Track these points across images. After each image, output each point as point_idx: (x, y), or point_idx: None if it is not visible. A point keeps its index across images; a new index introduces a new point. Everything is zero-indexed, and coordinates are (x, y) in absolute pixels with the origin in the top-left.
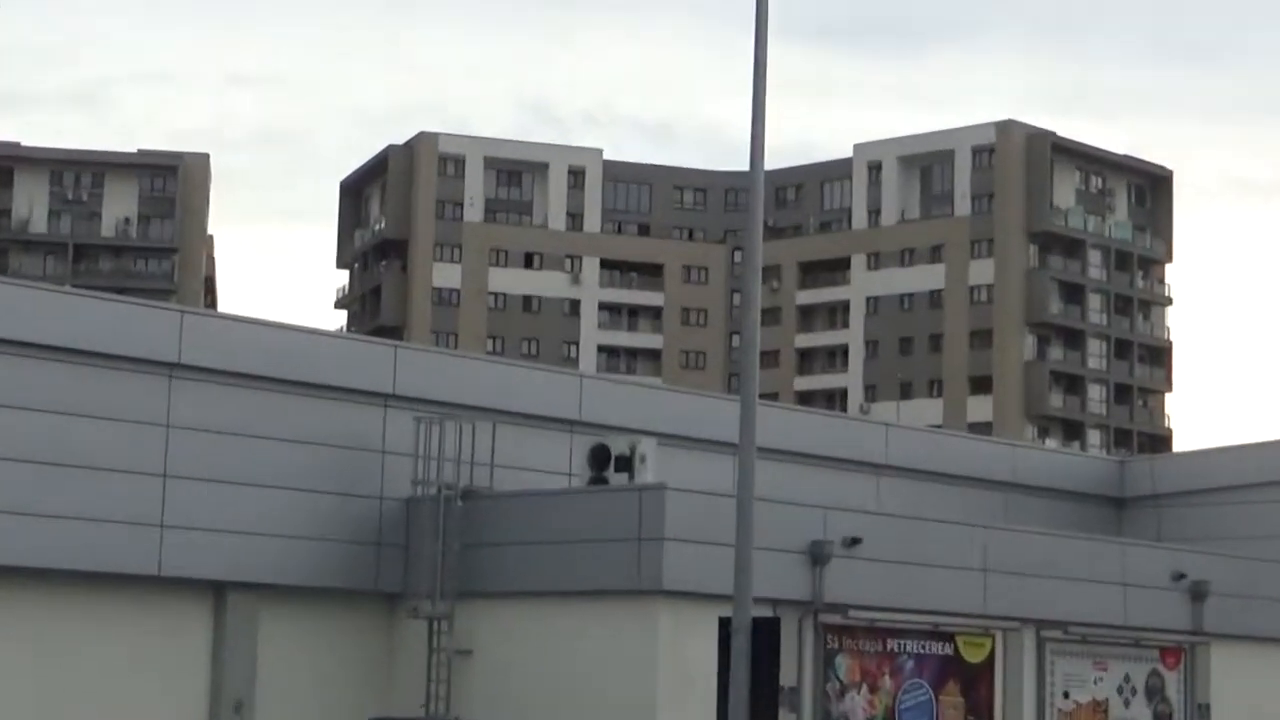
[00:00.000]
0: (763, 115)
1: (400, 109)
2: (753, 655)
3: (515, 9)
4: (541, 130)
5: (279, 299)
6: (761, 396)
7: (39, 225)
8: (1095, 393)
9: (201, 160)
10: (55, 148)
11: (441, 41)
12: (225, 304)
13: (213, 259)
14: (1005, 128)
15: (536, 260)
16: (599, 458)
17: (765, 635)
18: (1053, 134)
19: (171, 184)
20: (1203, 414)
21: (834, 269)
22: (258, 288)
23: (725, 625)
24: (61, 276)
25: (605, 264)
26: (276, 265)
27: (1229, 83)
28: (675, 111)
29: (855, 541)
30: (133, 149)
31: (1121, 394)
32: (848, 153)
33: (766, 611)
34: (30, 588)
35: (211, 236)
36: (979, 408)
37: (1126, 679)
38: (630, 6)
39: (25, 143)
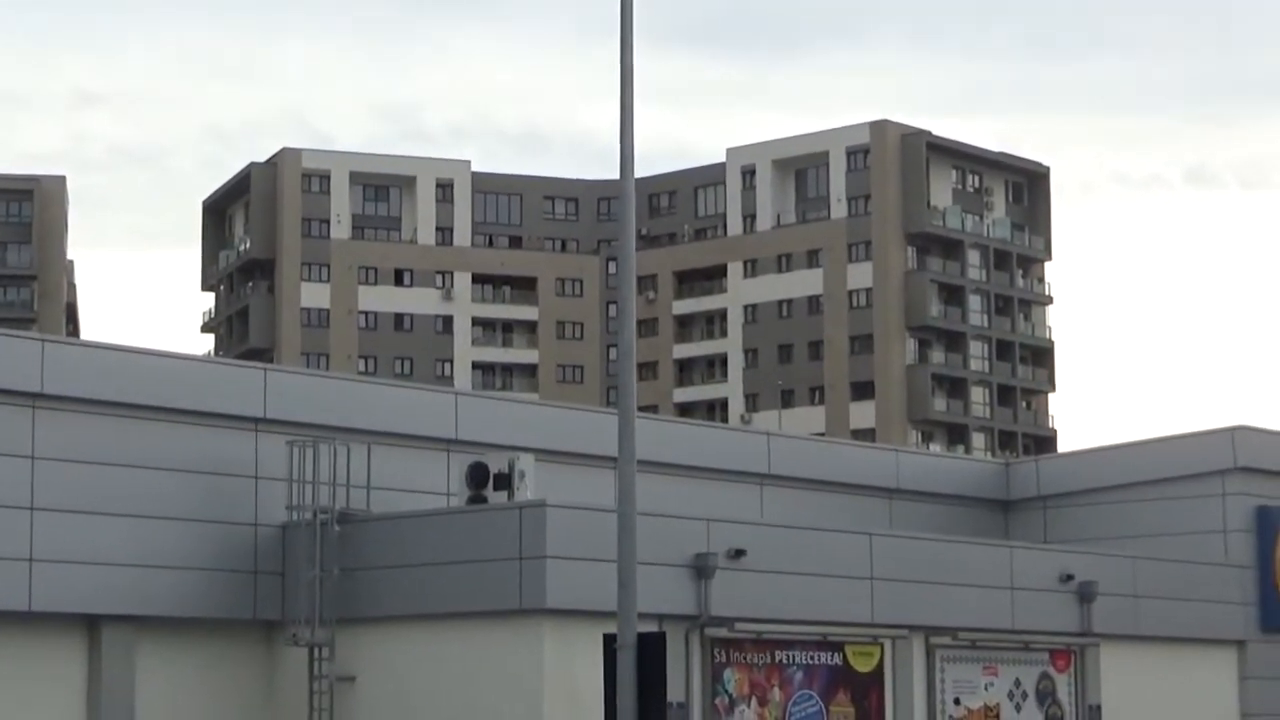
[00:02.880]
0: (631, 123)
1: (260, 125)
2: (639, 672)
3: (372, 20)
4: (407, 144)
5: (143, 324)
6: (640, 409)
7: None
8: (978, 395)
9: (57, 183)
10: None
11: (299, 55)
12: (88, 331)
13: (73, 285)
14: (879, 128)
15: (406, 277)
16: (477, 476)
17: (651, 651)
18: (928, 133)
19: (27, 208)
20: (1087, 413)
21: (710, 277)
22: (121, 313)
23: (610, 642)
24: None
25: (477, 278)
26: (139, 289)
27: (1103, 76)
28: (544, 120)
29: (739, 553)
30: None
31: (1005, 395)
32: (721, 157)
33: (652, 627)
34: None
35: (71, 261)
36: (861, 414)
37: (1017, 683)
38: (494, 15)
39: None
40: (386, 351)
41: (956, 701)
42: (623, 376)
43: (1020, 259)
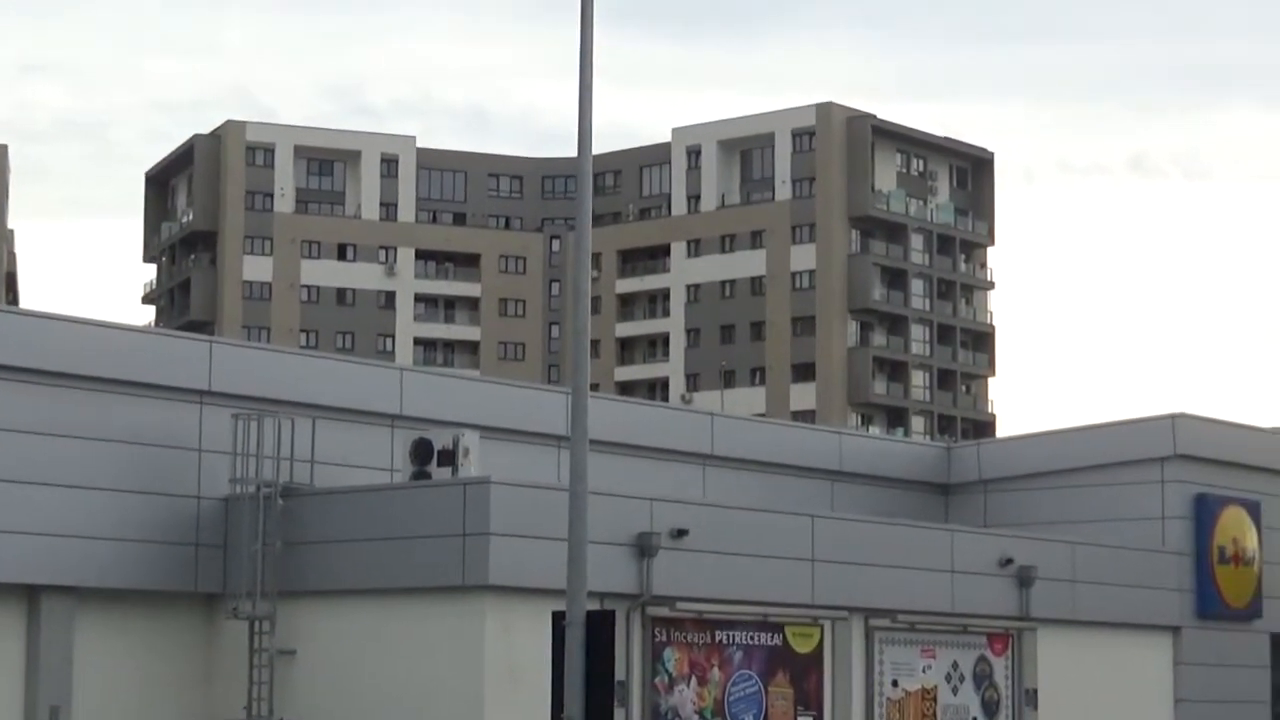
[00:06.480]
0: (590, 101)
1: (205, 99)
2: (587, 649)
3: None
4: (353, 118)
5: (83, 295)
6: None
7: None
8: (918, 378)
9: None
10: None
11: (247, 27)
12: (27, 301)
13: (13, 254)
14: (825, 110)
15: (350, 251)
16: (421, 452)
17: (599, 629)
18: (873, 116)
19: None
20: (1026, 398)
21: (654, 256)
22: (61, 283)
23: (559, 619)
24: None
25: (420, 254)
26: (80, 260)
27: (1048, 64)
28: (490, 98)
29: (682, 533)
30: None
31: (945, 379)
32: (666, 137)
33: (594, 605)
34: None
35: (11, 231)
36: (802, 395)
37: (955, 666)
38: None
39: None
40: (328, 326)
41: (895, 683)
42: (576, 355)
43: (963, 244)
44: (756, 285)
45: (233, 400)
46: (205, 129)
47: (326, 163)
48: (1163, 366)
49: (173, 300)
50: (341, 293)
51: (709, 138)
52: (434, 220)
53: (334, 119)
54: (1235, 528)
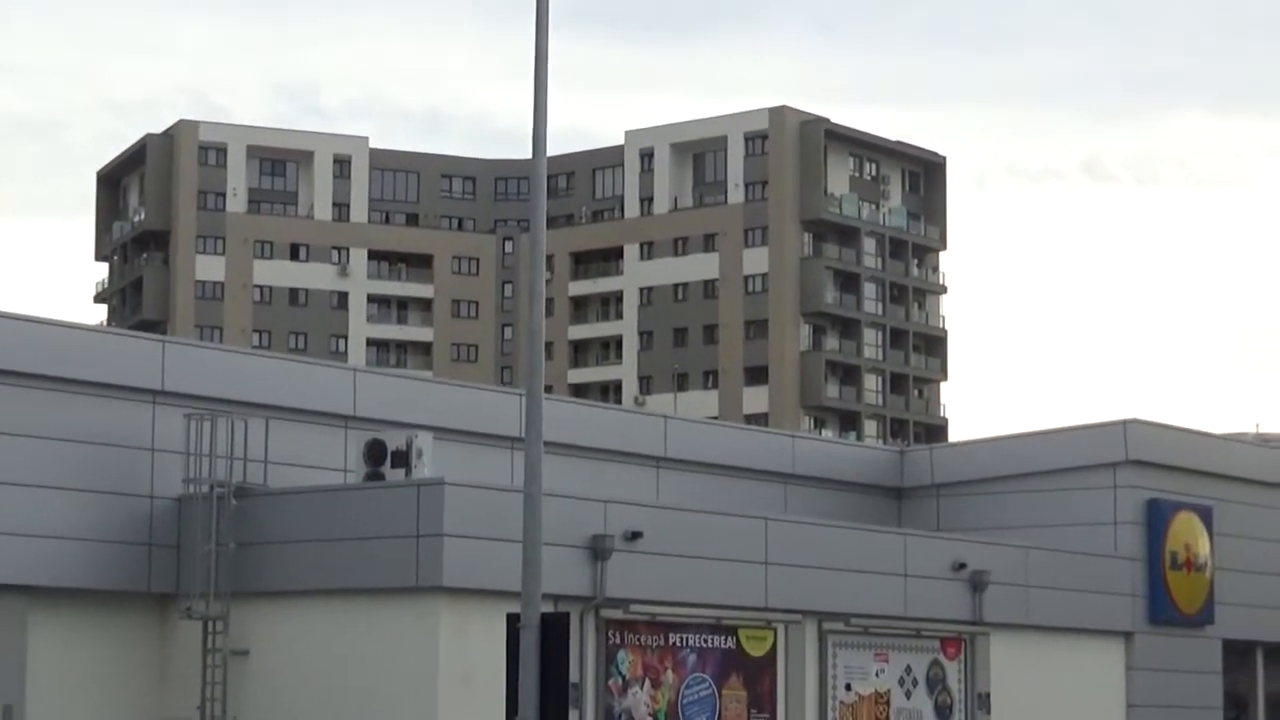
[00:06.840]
0: (544, 104)
1: (158, 100)
2: (541, 652)
3: None
4: (306, 119)
5: (35, 294)
6: None
7: None
8: (871, 382)
9: None
10: None
11: (200, 28)
12: None
13: None
14: (778, 114)
15: (302, 252)
16: (375, 453)
17: (554, 632)
18: (826, 120)
19: None
20: (978, 402)
21: (606, 259)
22: (12, 282)
23: (514, 622)
24: None
25: (373, 255)
26: (32, 259)
27: (1000, 69)
28: (442, 100)
29: (636, 535)
30: None
31: (897, 383)
32: (619, 140)
33: (548, 607)
34: None
35: None
36: (755, 399)
37: (908, 670)
38: None
39: None
40: (281, 327)
41: (848, 687)
42: (531, 357)
43: (915, 248)
44: (709, 288)
45: (186, 400)
46: (158, 129)
47: (279, 163)
48: (1115, 371)
49: (125, 300)
50: (294, 293)
51: (662, 140)
52: (387, 221)
53: (287, 120)
54: (1187, 533)
